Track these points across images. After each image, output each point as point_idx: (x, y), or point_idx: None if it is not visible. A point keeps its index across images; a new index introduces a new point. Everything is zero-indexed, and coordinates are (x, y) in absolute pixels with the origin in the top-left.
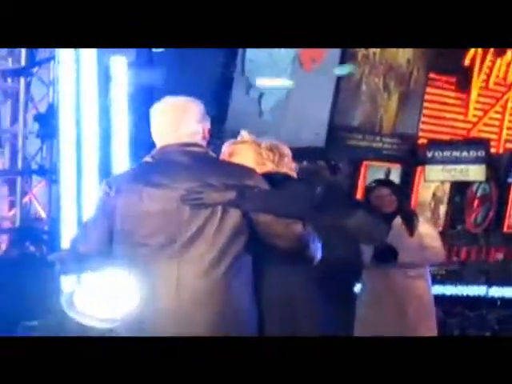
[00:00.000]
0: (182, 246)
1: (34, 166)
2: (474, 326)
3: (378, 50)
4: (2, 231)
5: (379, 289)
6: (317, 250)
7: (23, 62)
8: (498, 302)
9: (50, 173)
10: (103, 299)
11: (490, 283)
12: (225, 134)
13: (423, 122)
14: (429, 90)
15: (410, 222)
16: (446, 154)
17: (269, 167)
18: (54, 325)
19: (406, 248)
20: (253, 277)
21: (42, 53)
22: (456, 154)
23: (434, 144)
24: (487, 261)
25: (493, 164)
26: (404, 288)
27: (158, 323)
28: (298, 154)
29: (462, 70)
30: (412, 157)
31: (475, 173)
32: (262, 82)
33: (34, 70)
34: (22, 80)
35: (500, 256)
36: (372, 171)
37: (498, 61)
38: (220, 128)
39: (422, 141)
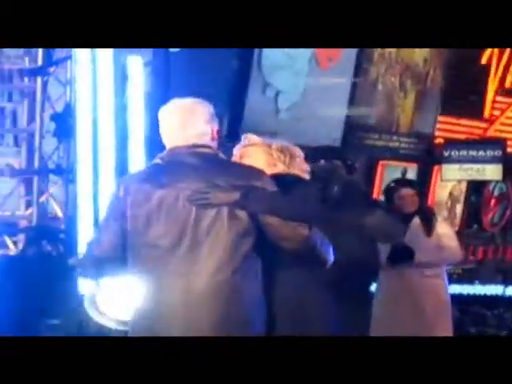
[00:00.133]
0: (190, 246)
1: (51, 166)
2: (491, 325)
3: (394, 49)
4: (18, 230)
5: (395, 288)
6: (327, 253)
7: (40, 62)
8: None
9: (66, 172)
10: (124, 302)
11: (506, 282)
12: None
13: (440, 122)
14: (445, 89)
15: (429, 222)
16: (463, 153)
17: (279, 168)
18: (73, 324)
19: (424, 247)
20: (264, 278)
21: (59, 52)
22: (473, 153)
23: (451, 143)
24: (504, 260)
25: (509, 163)
26: (420, 287)
27: (168, 324)
28: (315, 153)
29: (478, 69)
30: (429, 156)
31: (492, 172)
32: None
33: (51, 69)
34: (39, 79)
35: None
36: (389, 171)
37: None
38: (236, 127)
39: (438, 140)
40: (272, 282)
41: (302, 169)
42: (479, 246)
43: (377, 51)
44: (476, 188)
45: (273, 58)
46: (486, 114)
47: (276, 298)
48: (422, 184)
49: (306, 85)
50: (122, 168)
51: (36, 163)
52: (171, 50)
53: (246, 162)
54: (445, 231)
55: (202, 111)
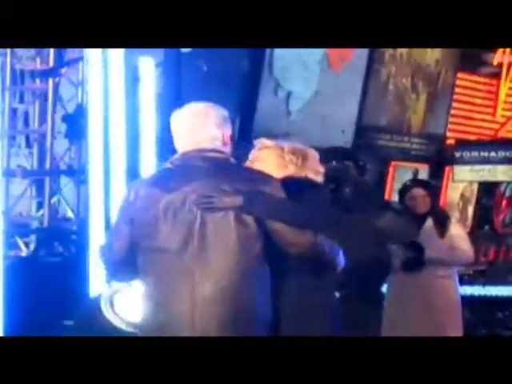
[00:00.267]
0: (196, 250)
1: (63, 167)
2: (502, 326)
3: (406, 50)
4: (30, 231)
5: (407, 288)
6: (337, 258)
7: (51, 63)
8: None
9: (78, 173)
10: (138, 305)
11: None
12: (253, 136)
13: (451, 123)
14: (457, 90)
15: (443, 223)
16: (474, 154)
17: (291, 170)
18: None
19: (436, 248)
20: (273, 281)
21: (71, 53)
22: (484, 154)
23: (462, 144)
24: None
25: None
26: (432, 288)
27: (175, 328)
28: (326, 154)
29: (490, 70)
30: (440, 157)
31: (503, 173)
32: None
33: (63, 70)
34: (51, 81)
35: None
36: (400, 172)
37: None
38: (248, 129)
39: (450, 141)
40: (281, 285)
41: (315, 170)
42: (490, 247)
43: (388, 52)
44: (487, 189)
45: (284, 58)
46: (498, 115)
47: (285, 302)
48: (434, 185)
49: (317, 86)
50: (133, 169)
51: (47, 164)
52: (182, 51)
53: (259, 165)
54: (458, 232)
55: (214, 115)
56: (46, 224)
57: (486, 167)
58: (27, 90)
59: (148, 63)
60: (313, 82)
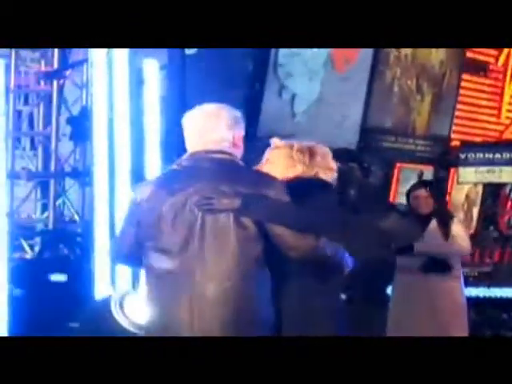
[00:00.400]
0: (196, 251)
1: (67, 169)
2: (507, 328)
3: (410, 51)
4: (35, 234)
5: (412, 290)
6: (342, 261)
7: (56, 65)
8: None
9: (83, 175)
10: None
11: None
12: (257, 137)
13: (456, 124)
14: (462, 91)
15: (446, 224)
16: (479, 155)
17: (299, 170)
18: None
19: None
20: (276, 283)
21: (75, 55)
22: (489, 155)
23: (467, 146)
24: None
25: None
26: (437, 289)
27: (177, 330)
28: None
29: (494, 71)
30: (445, 159)
31: (508, 174)
32: None
33: (67, 72)
34: (55, 83)
35: None
36: (405, 173)
37: None
38: (253, 131)
39: (454, 143)
40: (285, 288)
41: (325, 167)
42: (496, 249)
43: (393, 54)
44: (492, 191)
45: (289, 61)
46: (503, 116)
47: (289, 305)
48: (438, 186)
49: (321, 88)
50: (137, 171)
51: (52, 166)
52: (187, 53)
53: (269, 166)
54: (459, 233)
55: (225, 117)
56: (50, 226)
57: (491, 169)
58: (32, 92)
59: (152, 65)
60: (317, 83)
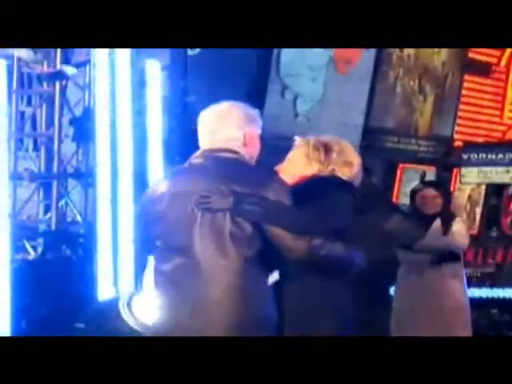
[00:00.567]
0: (196, 250)
1: (70, 170)
2: (510, 328)
3: (413, 52)
4: (37, 235)
5: (414, 288)
6: (345, 262)
7: (58, 66)
8: None
9: (85, 176)
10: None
11: None
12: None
13: (459, 125)
14: (464, 92)
15: (449, 224)
16: (482, 156)
17: (315, 168)
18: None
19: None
20: (279, 285)
21: (78, 56)
22: (492, 156)
23: (470, 146)
24: None
25: None
26: (439, 288)
27: (180, 330)
28: None
29: (497, 72)
30: (447, 159)
31: (511, 175)
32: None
33: (70, 73)
34: (58, 84)
35: None
36: (407, 174)
37: None
38: None
39: (457, 143)
40: (288, 288)
41: (343, 162)
42: (498, 250)
43: (395, 54)
44: (495, 191)
45: (291, 62)
46: (505, 117)
47: (292, 305)
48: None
49: (324, 88)
50: (140, 172)
51: (55, 167)
52: (189, 53)
53: (287, 165)
54: (460, 231)
55: (236, 115)
56: (53, 227)
57: (494, 169)
58: (34, 93)
59: (155, 66)
60: (320, 84)
